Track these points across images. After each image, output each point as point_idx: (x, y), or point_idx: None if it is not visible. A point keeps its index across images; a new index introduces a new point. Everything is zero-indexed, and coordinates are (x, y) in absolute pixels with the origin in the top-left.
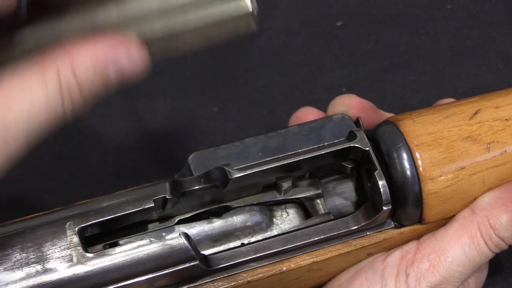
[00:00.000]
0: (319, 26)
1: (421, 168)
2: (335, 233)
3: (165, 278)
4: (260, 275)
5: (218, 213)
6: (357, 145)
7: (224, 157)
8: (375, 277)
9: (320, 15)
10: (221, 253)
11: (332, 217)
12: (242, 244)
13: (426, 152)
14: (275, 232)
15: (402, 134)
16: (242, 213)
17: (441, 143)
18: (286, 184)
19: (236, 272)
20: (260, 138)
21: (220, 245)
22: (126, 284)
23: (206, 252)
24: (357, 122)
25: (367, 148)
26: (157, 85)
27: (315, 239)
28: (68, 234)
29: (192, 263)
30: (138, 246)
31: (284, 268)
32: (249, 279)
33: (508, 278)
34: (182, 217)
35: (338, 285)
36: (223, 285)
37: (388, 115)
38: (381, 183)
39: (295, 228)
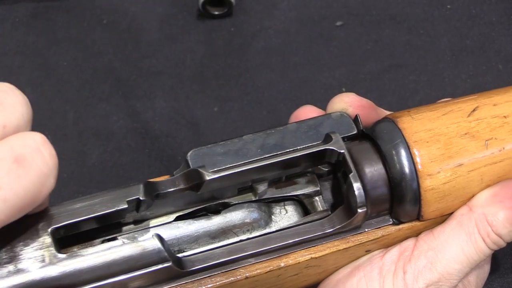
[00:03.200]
0: (318, 26)
1: (419, 165)
2: (310, 236)
3: (138, 279)
4: (258, 271)
5: (217, 210)
6: (333, 148)
7: (222, 153)
8: (373, 273)
9: (320, 15)
10: (195, 255)
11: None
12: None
13: (424, 149)
14: (273, 229)
15: (400, 130)
16: (241, 210)
17: (439, 139)
18: (261, 187)
19: (234, 268)
20: (259, 135)
21: (219, 241)
22: (99, 285)
23: (205, 248)
24: (355, 120)
25: (342, 151)
26: (157, 85)
27: (290, 241)
28: (41, 235)
29: (165, 265)
30: (111, 247)
31: (282, 264)
32: (247, 274)
33: (508, 278)
34: (181, 213)
35: (336, 281)
36: (221, 280)
37: (387, 113)
38: (356, 185)
39: (271, 231)
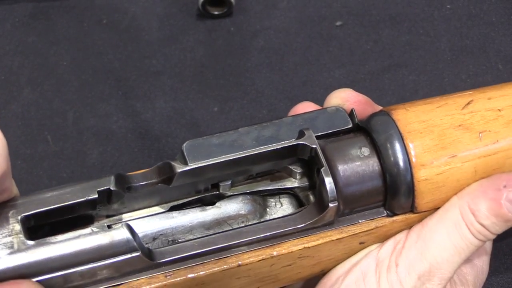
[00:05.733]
0: (318, 26)
1: (413, 155)
2: (281, 231)
3: (107, 268)
4: (251, 259)
5: (212, 201)
6: (305, 143)
7: (217, 144)
8: (369, 269)
9: (320, 15)
10: (165, 247)
11: None
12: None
13: (418, 139)
14: (267, 219)
15: (394, 122)
16: (236, 202)
17: (432, 130)
18: (224, 185)
19: (227, 256)
20: (254, 127)
21: (214, 233)
22: (67, 273)
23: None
24: (351, 114)
25: (314, 146)
26: (157, 85)
27: (260, 236)
28: (10, 222)
29: (133, 255)
30: (80, 236)
31: (275, 253)
32: (239, 262)
33: (508, 278)
34: (175, 203)
35: (335, 279)
36: (213, 267)
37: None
38: (328, 179)
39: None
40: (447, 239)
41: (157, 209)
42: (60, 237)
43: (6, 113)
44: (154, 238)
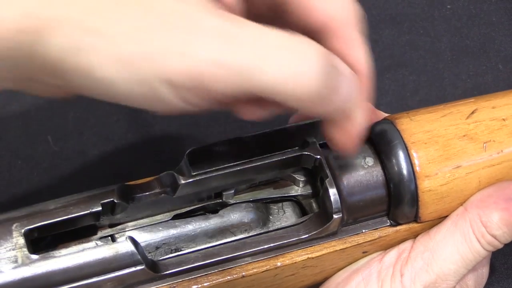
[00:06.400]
0: None
1: (417, 166)
2: (285, 242)
3: (111, 281)
4: (255, 270)
5: (215, 209)
6: (309, 153)
7: (221, 153)
8: (372, 277)
9: None
10: (169, 259)
11: None
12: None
13: (422, 150)
14: (271, 229)
15: (399, 131)
16: (239, 210)
17: (437, 141)
18: (227, 194)
19: (231, 267)
20: (258, 135)
21: (216, 241)
22: (71, 287)
23: (203, 247)
24: None
25: (319, 156)
26: None
27: (264, 247)
28: (14, 235)
29: (138, 268)
30: (84, 249)
31: (279, 264)
32: (243, 273)
33: (509, 279)
34: (178, 212)
35: (335, 285)
36: (217, 278)
37: (386, 115)
38: (332, 191)
39: (252, 234)
40: (455, 252)
41: (159, 218)
42: (64, 251)
43: (6, 113)
44: (157, 247)
